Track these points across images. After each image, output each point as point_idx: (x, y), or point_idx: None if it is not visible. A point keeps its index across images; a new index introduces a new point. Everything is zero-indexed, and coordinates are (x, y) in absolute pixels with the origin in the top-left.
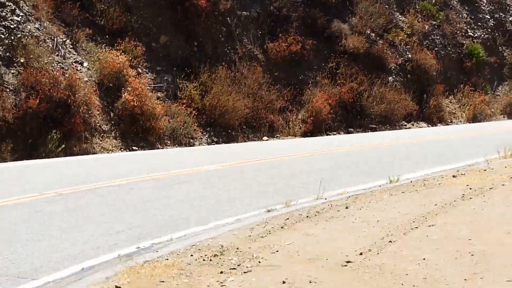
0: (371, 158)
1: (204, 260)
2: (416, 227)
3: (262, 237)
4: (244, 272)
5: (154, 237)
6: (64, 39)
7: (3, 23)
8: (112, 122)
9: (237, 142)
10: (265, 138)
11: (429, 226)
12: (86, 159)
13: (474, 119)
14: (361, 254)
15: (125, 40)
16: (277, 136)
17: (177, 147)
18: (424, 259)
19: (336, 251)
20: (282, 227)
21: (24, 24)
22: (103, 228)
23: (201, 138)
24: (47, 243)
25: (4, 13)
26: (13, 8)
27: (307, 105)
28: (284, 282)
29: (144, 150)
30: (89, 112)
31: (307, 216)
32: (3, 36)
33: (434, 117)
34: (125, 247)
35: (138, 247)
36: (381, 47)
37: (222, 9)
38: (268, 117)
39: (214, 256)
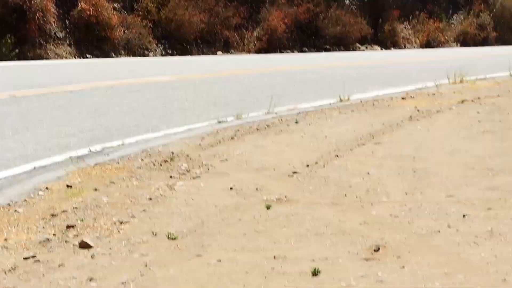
0: (323, 78)
1: (154, 165)
2: (363, 144)
3: (212, 146)
4: (193, 178)
5: (105, 141)
6: None
7: None
8: (67, 30)
9: (192, 56)
10: (219, 53)
11: (375, 143)
12: (40, 64)
13: (427, 45)
14: (307, 166)
15: None
16: (231, 52)
17: (131, 57)
18: (368, 173)
19: (284, 162)
20: (232, 138)
21: None
22: (55, 131)
23: (156, 50)
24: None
25: None
26: None
27: (263, 23)
28: (231, 188)
29: (98, 58)
30: (45, 19)
31: (257, 129)
32: None
33: (388, 42)
34: (77, 149)
35: (90, 150)
36: None
37: None
38: (224, 33)
39: (164, 161)
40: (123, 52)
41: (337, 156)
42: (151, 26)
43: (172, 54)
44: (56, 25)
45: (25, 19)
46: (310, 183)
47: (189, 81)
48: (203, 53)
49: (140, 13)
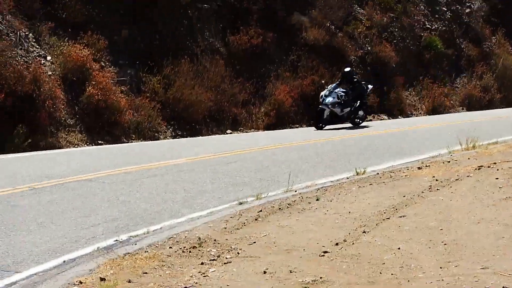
0: (336, 151)
1: (183, 251)
2: (388, 218)
3: (237, 229)
4: (225, 263)
5: (130, 230)
6: (26, 33)
7: None
8: (77, 116)
9: (202, 136)
10: (229, 131)
11: (400, 217)
12: (54, 153)
13: (433, 111)
14: (337, 244)
15: (88, 33)
16: (240, 129)
17: (142, 140)
18: (398, 248)
19: (312, 241)
20: (256, 219)
21: None
22: (79, 221)
23: (166, 132)
24: (26, 237)
25: None
26: None
27: (270, 98)
28: (265, 272)
29: (109, 144)
30: (54, 106)
31: (280, 208)
32: None
33: (395, 109)
34: (103, 240)
35: (116, 240)
36: (341, 40)
37: (183, 2)
38: (232, 110)
39: (193, 248)
40: (133, 136)
41: (364, 232)
42: (160, 107)
43: (182, 135)
44: (66, 111)
45: (35, 107)
46: (342, 262)
47: (204, 162)
48: (212, 132)
49: (148, 94)
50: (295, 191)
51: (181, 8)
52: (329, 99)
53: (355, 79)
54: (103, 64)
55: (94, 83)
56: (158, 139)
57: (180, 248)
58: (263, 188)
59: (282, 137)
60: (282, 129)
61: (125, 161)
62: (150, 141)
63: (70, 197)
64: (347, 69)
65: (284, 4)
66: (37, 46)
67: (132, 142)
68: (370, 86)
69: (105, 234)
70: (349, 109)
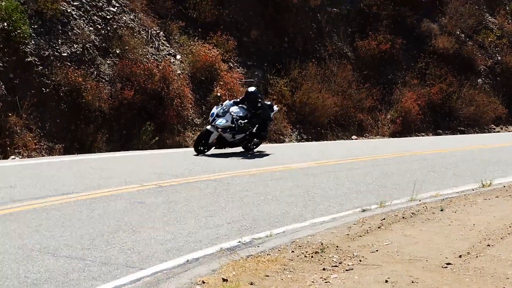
0: (462, 161)
1: (305, 256)
2: None
3: (360, 236)
4: (346, 270)
5: (253, 232)
6: (157, 31)
7: (100, 13)
8: (204, 116)
9: (327, 140)
10: (354, 137)
11: None
12: (181, 152)
13: None
14: (460, 256)
15: (217, 33)
16: (366, 136)
17: (267, 143)
18: None
19: (435, 252)
20: (379, 227)
21: (120, 15)
22: (203, 221)
23: (291, 135)
24: (151, 234)
25: (101, 4)
26: None
27: (396, 105)
28: (386, 281)
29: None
30: (182, 105)
31: (403, 217)
32: (99, 27)
33: None
34: (226, 240)
35: (239, 241)
36: (470, 49)
37: (312, 5)
38: (357, 116)
39: (315, 253)
40: None
41: (489, 245)
42: (286, 110)
43: (307, 139)
44: (193, 110)
45: (164, 105)
46: (465, 275)
47: (328, 168)
48: (337, 137)
49: (274, 97)
50: (419, 201)
51: (311, 12)
52: (222, 121)
53: (260, 103)
54: (231, 65)
55: (222, 83)
56: (284, 142)
57: (302, 253)
58: (387, 196)
59: (407, 145)
60: (408, 136)
61: (250, 163)
62: (275, 144)
63: (195, 196)
64: (252, 89)
65: (413, 11)
66: (167, 45)
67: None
68: (275, 109)
69: (228, 235)
70: (243, 135)
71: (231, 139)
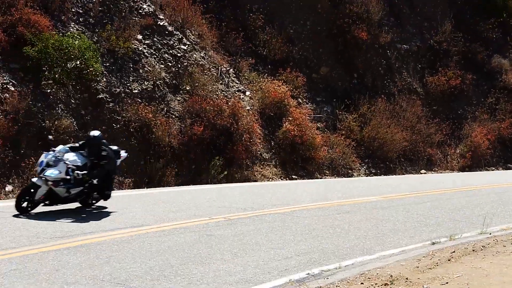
0: None
1: None
2: None
3: (429, 268)
4: None
5: (322, 264)
6: (227, 68)
7: (171, 51)
8: (273, 151)
9: (395, 174)
10: (423, 171)
11: None
12: (249, 186)
13: None
14: None
15: (286, 70)
16: (434, 170)
17: (335, 177)
18: None
19: (506, 285)
20: (449, 260)
21: (190, 53)
22: (272, 253)
23: (359, 169)
24: (220, 266)
25: (172, 42)
26: (180, 37)
27: (466, 140)
28: None
29: (303, 179)
30: (251, 140)
31: (473, 250)
32: (170, 64)
33: None
34: (295, 272)
35: (308, 273)
36: None
37: (382, 42)
38: (426, 151)
39: (385, 285)
40: (327, 172)
41: None
42: (354, 145)
43: (375, 173)
44: (262, 145)
45: (232, 140)
46: None
47: (397, 201)
48: (406, 172)
49: (343, 132)
50: (490, 234)
51: (380, 48)
52: (53, 173)
53: (104, 152)
54: (300, 101)
55: (290, 119)
56: (352, 176)
57: (372, 285)
58: (457, 229)
59: (477, 179)
60: (477, 171)
61: (319, 196)
62: (344, 178)
63: (264, 229)
64: (94, 133)
65: (484, 47)
66: (237, 81)
67: (325, 178)
68: (123, 155)
69: (297, 267)
70: (80, 188)
71: (64, 194)
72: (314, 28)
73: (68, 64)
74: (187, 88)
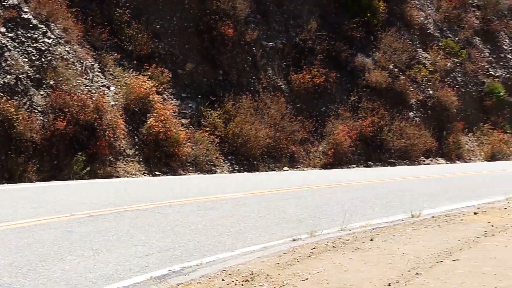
0: (392, 192)
1: (236, 285)
2: (441, 261)
3: (290, 264)
4: None
5: (184, 261)
6: (92, 63)
7: (35, 45)
8: (137, 147)
9: (258, 171)
10: (285, 168)
11: (454, 260)
12: (112, 182)
13: (492, 157)
14: (389, 285)
15: (152, 66)
16: (297, 167)
17: (199, 173)
18: None
19: (364, 281)
20: (309, 256)
21: (55, 47)
22: (133, 250)
23: (223, 166)
24: (81, 263)
25: (36, 35)
26: (44, 30)
27: (328, 137)
28: None
29: (166, 175)
30: (115, 136)
31: (333, 246)
32: (34, 58)
33: (453, 154)
34: (156, 269)
35: (170, 270)
36: (403, 83)
37: (248, 39)
38: (290, 148)
39: (245, 281)
40: (191, 168)
41: (417, 274)
42: (218, 142)
43: (239, 170)
44: (125, 141)
45: (96, 136)
46: None
47: (260, 198)
48: (269, 169)
49: (208, 128)
50: (349, 230)
51: (246, 45)
52: None
53: None
54: (165, 97)
55: (155, 115)
56: (215, 173)
57: (233, 281)
58: (317, 226)
59: (338, 176)
60: (339, 168)
61: (182, 193)
62: (207, 175)
63: (126, 225)
64: None
65: (348, 45)
66: (102, 76)
67: (189, 174)
68: None
69: (158, 264)
70: None
71: None
72: (181, 24)
73: None
74: (51, 83)
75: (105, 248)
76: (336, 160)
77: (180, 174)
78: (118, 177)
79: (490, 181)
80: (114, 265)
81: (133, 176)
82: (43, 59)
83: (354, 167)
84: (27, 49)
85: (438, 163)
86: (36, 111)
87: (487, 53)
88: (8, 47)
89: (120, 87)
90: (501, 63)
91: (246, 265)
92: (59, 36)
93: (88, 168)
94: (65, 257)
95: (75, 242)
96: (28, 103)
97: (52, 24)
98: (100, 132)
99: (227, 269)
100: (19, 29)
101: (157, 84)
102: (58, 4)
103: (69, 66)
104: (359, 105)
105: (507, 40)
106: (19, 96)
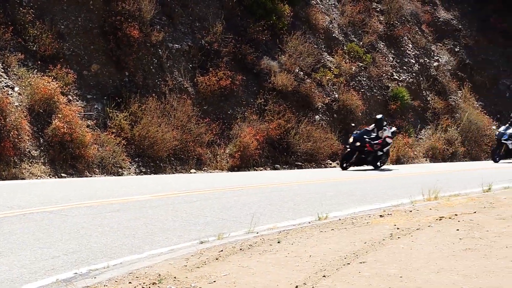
0: (299, 195)
1: (143, 287)
2: (348, 264)
3: (198, 267)
4: None
5: (90, 263)
6: None
7: None
8: (42, 148)
9: (165, 174)
10: (192, 170)
11: (360, 263)
12: (16, 184)
13: (397, 161)
14: (296, 287)
15: (57, 66)
16: (204, 169)
17: (105, 175)
18: None
19: (272, 283)
20: (216, 259)
21: None
22: (39, 253)
23: (130, 168)
24: None
25: None
26: None
27: (235, 140)
28: None
29: (72, 177)
30: (19, 137)
31: (241, 249)
32: None
33: None
34: (62, 272)
35: (76, 273)
36: (309, 86)
37: (154, 40)
38: (196, 150)
39: (153, 284)
40: (97, 170)
41: (324, 276)
42: (125, 143)
43: (146, 173)
44: (30, 143)
45: (0, 137)
46: None
47: (167, 200)
48: (176, 171)
49: (114, 130)
50: (257, 233)
51: (152, 47)
52: None
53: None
54: (70, 98)
55: (60, 116)
56: (122, 175)
57: (140, 284)
58: (225, 228)
59: (246, 179)
60: (246, 171)
61: (88, 195)
62: (114, 177)
63: (31, 228)
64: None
65: (254, 48)
66: (5, 77)
67: (95, 176)
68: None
69: (64, 267)
70: None
71: None
72: (86, 24)
73: None
74: None
75: (9, 250)
76: (243, 162)
77: (87, 176)
78: (23, 178)
79: (395, 184)
80: (19, 268)
81: (39, 178)
82: None
83: (261, 170)
84: None
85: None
86: None
87: (391, 58)
88: None
89: (25, 88)
90: (405, 67)
91: (154, 267)
92: None
93: None
94: None
95: None
96: None
97: None
98: (4, 133)
99: (134, 272)
100: None
101: (62, 85)
102: None
103: None
104: (266, 107)
105: (410, 45)
106: None
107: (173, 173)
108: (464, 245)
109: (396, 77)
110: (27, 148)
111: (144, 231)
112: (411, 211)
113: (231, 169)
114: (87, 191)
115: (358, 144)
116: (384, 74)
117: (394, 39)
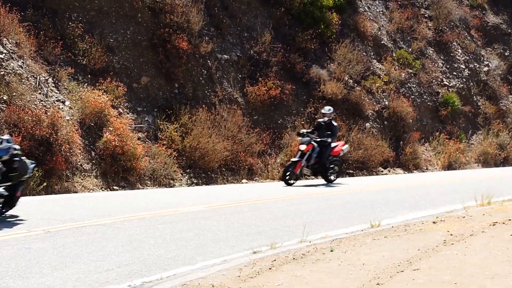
0: (350, 203)
1: None
2: (402, 271)
3: (251, 277)
4: None
5: (144, 275)
6: (46, 78)
7: None
8: (93, 161)
9: (217, 184)
10: (244, 181)
11: (414, 270)
12: (69, 197)
13: (449, 166)
14: None
15: (107, 80)
16: (256, 179)
17: (157, 187)
18: None
19: None
20: (270, 268)
21: (7, 62)
22: (92, 266)
23: (181, 179)
24: (39, 279)
25: None
26: None
27: (286, 149)
28: None
29: (124, 190)
30: (71, 150)
31: (294, 258)
32: None
33: (410, 164)
34: (116, 284)
35: (130, 285)
36: (358, 94)
37: (202, 52)
38: (247, 160)
39: None
40: (149, 182)
41: (378, 284)
42: (176, 155)
43: (197, 184)
44: (82, 156)
45: (52, 151)
46: None
47: (219, 211)
48: (228, 181)
49: (164, 142)
50: (309, 242)
51: (201, 58)
52: None
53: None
54: (121, 111)
55: (111, 129)
56: (174, 187)
57: None
58: (277, 238)
59: (296, 188)
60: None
61: (140, 207)
62: (165, 188)
63: (84, 241)
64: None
65: (303, 57)
66: (56, 91)
67: (147, 188)
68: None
69: (118, 279)
70: None
71: None
72: (135, 37)
73: None
74: (4, 98)
75: (63, 264)
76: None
77: (138, 188)
78: (75, 192)
79: (448, 190)
80: (73, 281)
81: (91, 191)
82: None
83: (313, 178)
84: None
85: (396, 173)
86: None
87: (440, 64)
88: None
89: (75, 102)
90: (454, 73)
91: (207, 278)
92: (11, 51)
93: (44, 184)
94: (23, 274)
95: (33, 258)
96: None
97: (4, 39)
98: (56, 147)
99: (187, 283)
100: None
101: (112, 98)
102: (10, 19)
103: (23, 81)
104: (316, 116)
105: (459, 51)
106: None
107: (225, 184)
108: None
109: (446, 82)
110: (79, 162)
111: (196, 242)
112: (464, 217)
113: None
114: (139, 203)
115: None
116: (434, 80)
117: (443, 44)
